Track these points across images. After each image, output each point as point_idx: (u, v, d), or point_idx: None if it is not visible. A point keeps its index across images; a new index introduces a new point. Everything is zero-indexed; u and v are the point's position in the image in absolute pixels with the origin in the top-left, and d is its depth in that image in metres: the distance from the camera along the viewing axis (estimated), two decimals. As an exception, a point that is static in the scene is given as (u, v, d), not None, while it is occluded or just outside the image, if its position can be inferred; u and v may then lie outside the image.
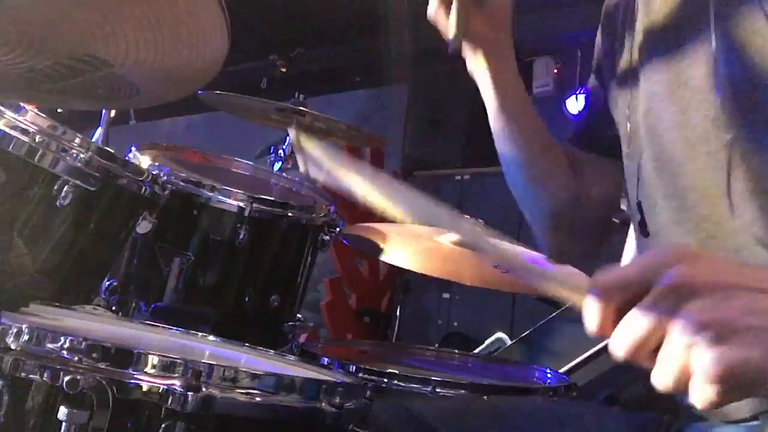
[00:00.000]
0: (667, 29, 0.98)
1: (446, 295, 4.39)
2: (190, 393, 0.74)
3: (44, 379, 0.74)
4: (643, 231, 1.01)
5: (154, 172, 1.45)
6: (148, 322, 1.25)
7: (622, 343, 0.58)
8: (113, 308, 1.57)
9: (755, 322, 0.54)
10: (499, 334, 2.90)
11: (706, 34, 0.91)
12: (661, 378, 0.57)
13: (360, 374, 1.33)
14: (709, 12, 0.90)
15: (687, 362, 0.55)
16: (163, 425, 0.74)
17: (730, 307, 0.55)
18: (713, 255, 0.59)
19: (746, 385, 0.55)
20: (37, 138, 1.21)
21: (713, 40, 0.90)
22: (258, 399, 0.80)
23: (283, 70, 5.22)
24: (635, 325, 0.57)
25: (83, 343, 0.77)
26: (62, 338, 0.77)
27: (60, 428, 0.73)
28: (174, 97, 1.05)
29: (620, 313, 0.59)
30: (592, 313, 0.60)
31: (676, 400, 0.98)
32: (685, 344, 0.54)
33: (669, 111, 0.95)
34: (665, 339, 0.56)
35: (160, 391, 0.75)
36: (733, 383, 0.54)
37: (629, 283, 0.59)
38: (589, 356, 2.50)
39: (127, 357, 0.78)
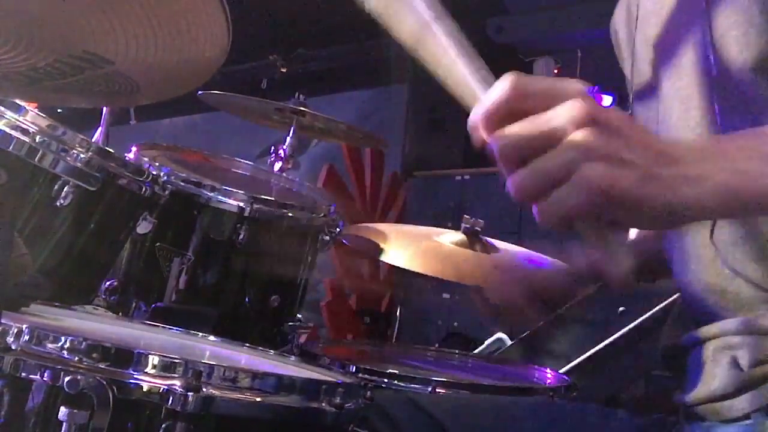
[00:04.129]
0: (663, 41, 0.99)
1: (446, 295, 4.39)
2: (190, 393, 0.74)
3: (44, 379, 0.74)
4: None
5: (154, 172, 1.45)
6: (148, 322, 1.25)
7: (508, 139, 0.62)
8: (113, 308, 1.57)
9: (635, 156, 0.61)
10: (499, 334, 2.89)
11: (691, 45, 0.92)
12: (523, 185, 0.62)
13: (360, 374, 1.33)
14: (694, 24, 0.91)
15: (563, 174, 0.60)
16: (163, 425, 0.74)
17: (612, 141, 0.61)
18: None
19: (612, 205, 0.61)
20: (38, 138, 1.21)
21: (699, 52, 0.91)
22: (258, 399, 0.80)
23: (283, 70, 5.22)
24: (531, 127, 0.61)
25: (83, 343, 0.76)
26: (62, 338, 0.77)
27: (60, 428, 0.73)
28: (174, 93, 1.05)
29: (507, 116, 0.62)
30: (485, 106, 0.63)
31: (675, 400, 0.98)
32: (559, 160, 0.60)
33: (677, 127, 0.96)
34: (555, 148, 0.60)
35: (160, 391, 0.75)
36: (601, 199, 0.60)
37: (536, 92, 0.62)
38: (589, 356, 2.49)
39: (127, 357, 0.77)
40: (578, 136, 0.60)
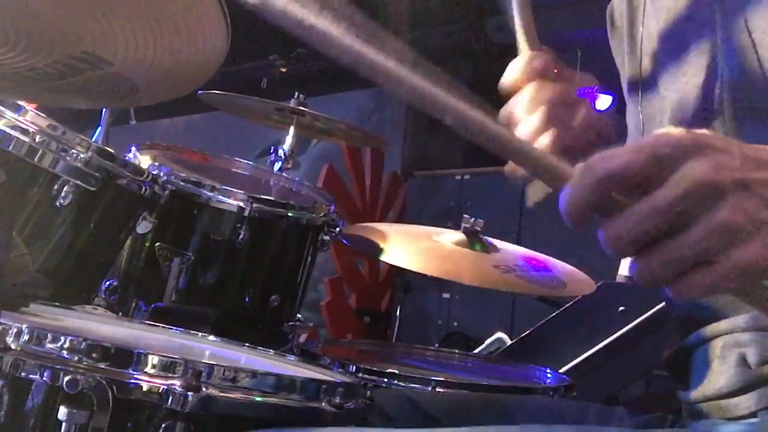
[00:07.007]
0: (673, 37, 0.98)
1: (446, 295, 4.39)
2: (190, 393, 0.74)
3: (44, 379, 0.74)
4: None
5: (154, 172, 1.45)
6: (148, 322, 1.25)
7: (622, 234, 0.53)
8: (113, 308, 1.57)
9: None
10: (499, 334, 2.89)
11: (706, 43, 0.91)
12: (656, 272, 0.54)
13: (360, 374, 1.33)
14: (710, 21, 0.91)
15: (693, 260, 0.53)
16: (163, 425, 0.74)
17: (750, 207, 0.53)
18: (723, 139, 0.57)
19: (747, 283, 0.55)
20: (37, 138, 1.21)
21: (712, 48, 0.90)
22: (258, 399, 0.80)
23: (283, 70, 5.22)
24: (646, 218, 0.53)
25: (83, 343, 0.77)
26: (62, 338, 0.77)
27: (60, 428, 0.73)
28: (174, 95, 1.05)
29: (611, 201, 0.54)
30: (579, 196, 0.55)
31: (677, 398, 0.98)
32: (702, 247, 0.52)
33: (693, 126, 0.95)
34: (678, 238, 0.53)
35: (160, 391, 0.75)
36: (740, 281, 0.54)
37: (635, 172, 0.54)
38: (589, 356, 2.49)
39: (127, 357, 0.78)
40: (714, 220, 0.52)
